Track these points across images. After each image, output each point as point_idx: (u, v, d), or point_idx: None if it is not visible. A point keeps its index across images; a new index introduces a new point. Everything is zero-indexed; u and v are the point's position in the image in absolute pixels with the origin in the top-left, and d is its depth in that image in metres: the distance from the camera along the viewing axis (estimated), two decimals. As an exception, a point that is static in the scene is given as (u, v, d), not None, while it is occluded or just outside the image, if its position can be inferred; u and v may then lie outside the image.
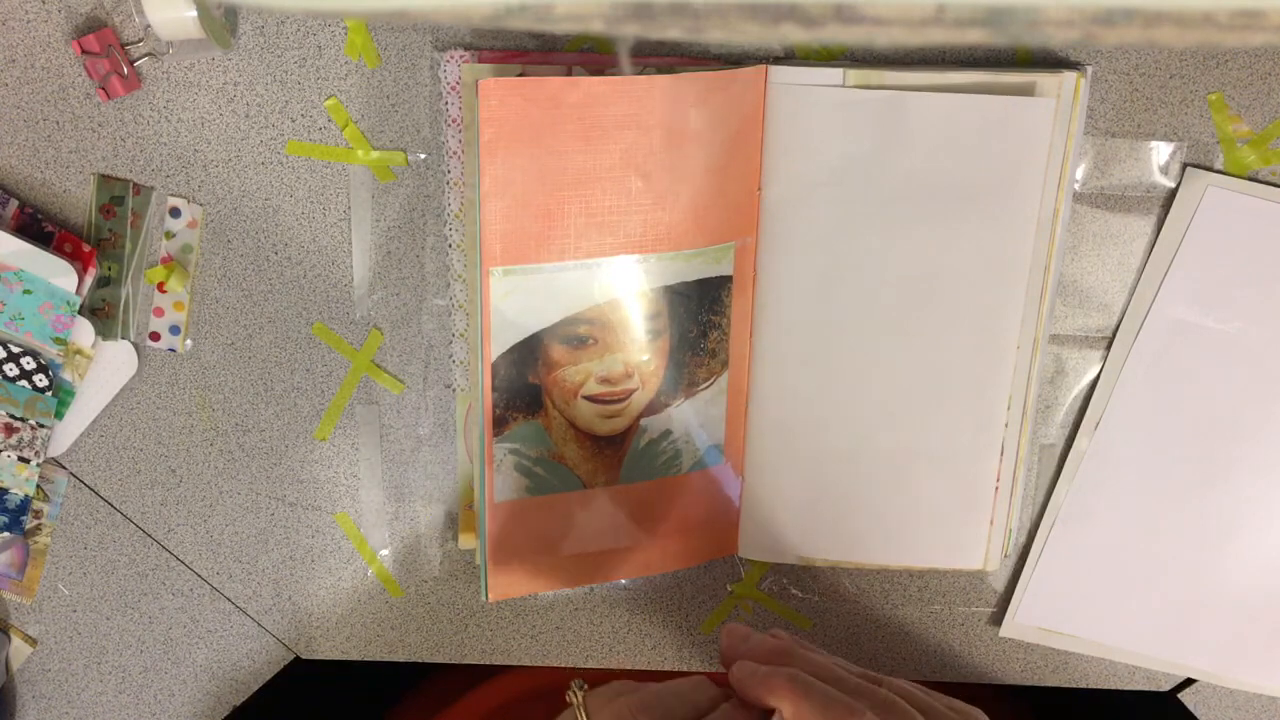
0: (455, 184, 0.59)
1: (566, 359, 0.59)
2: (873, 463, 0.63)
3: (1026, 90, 0.56)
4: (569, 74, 0.57)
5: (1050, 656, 0.69)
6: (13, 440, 0.61)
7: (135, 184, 0.59)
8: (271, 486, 0.65)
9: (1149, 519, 0.64)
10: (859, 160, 0.58)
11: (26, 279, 0.58)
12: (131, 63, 0.56)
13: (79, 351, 0.61)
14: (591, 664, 0.69)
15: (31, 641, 0.68)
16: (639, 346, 0.59)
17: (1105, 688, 0.70)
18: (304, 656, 0.69)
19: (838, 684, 0.50)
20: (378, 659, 0.69)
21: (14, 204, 0.59)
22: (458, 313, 0.61)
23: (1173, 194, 0.60)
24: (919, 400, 0.62)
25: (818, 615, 0.68)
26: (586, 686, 0.51)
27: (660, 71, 0.57)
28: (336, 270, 0.61)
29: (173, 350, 0.62)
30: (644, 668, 0.70)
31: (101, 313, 0.61)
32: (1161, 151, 0.59)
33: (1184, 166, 0.59)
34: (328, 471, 0.65)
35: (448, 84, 0.57)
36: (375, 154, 0.59)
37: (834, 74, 0.56)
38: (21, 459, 0.61)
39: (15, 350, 0.59)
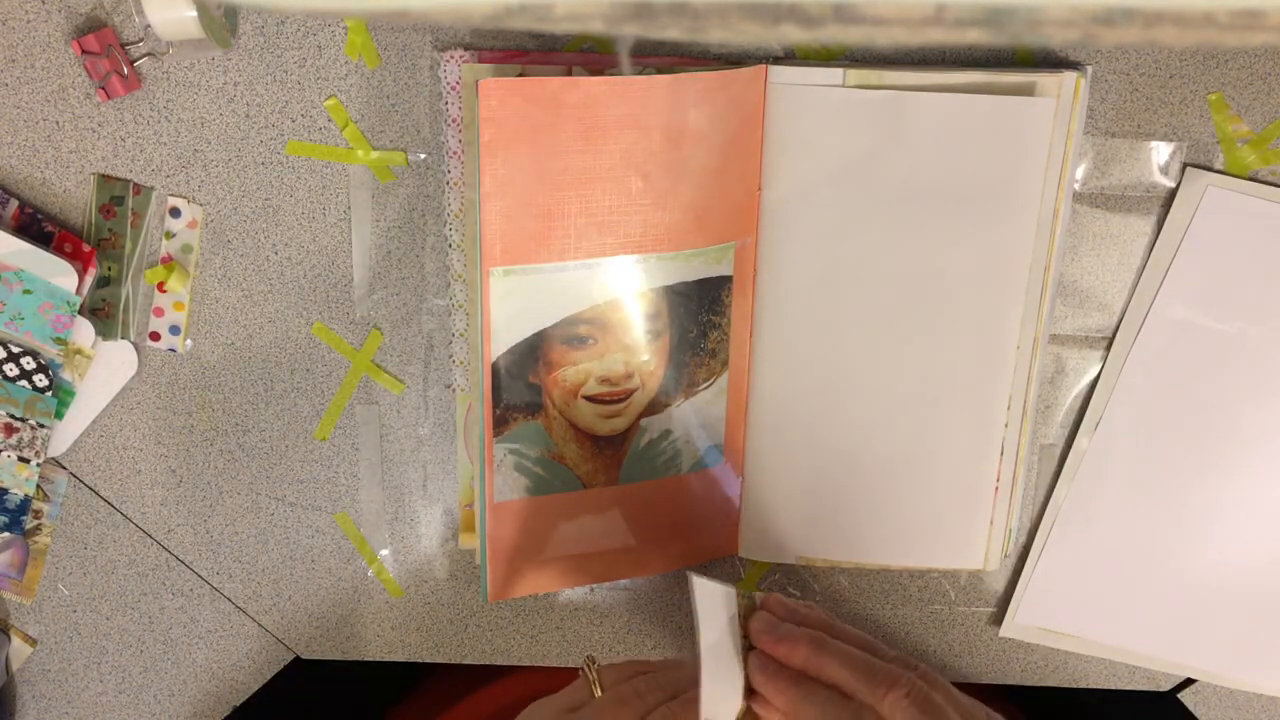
0: (455, 184, 0.59)
1: (566, 359, 0.59)
2: (873, 462, 0.63)
3: (1026, 90, 0.56)
4: (569, 74, 0.57)
5: (1050, 656, 0.69)
6: (13, 440, 0.61)
7: (135, 184, 0.59)
8: (271, 486, 0.65)
9: (1149, 519, 0.64)
10: (859, 160, 0.58)
11: (26, 279, 0.58)
12: (131, 63, 0.56)
13: (79, 351, 0.61)
14: (591, 664, 0.69)
15: (31, 641, 0.68)
16: (639, 346, 0.59)
17: (1105, 688, 0.70)
18: (304, 656, 0.69)
19: (863, 648, 0.51)
20: (378, 659, 0.69)
21: (14, 204, 0.59)
22: (458, 313, 0.61)
23: (1173, 194, 0.60)
24: (919, 400, 0.62)
25: (818, 615, 0.68)
26: (598, 662, 0.53)
27: (660, 71, 0.57)
28: (336, 270, 0.61)
29: (173, 350, 0.62)
30: (644, 668, 0.70)
31: (101, 313, 0.61)
32: (1161, 151, 0.59)
33: (1184, 166, 0.59)
34: (328, 471, 0.65)
35: (448, 84, 0.57)
36: (375, 154, 0.59)
37: (834, 74, 0.56)
38: (21, 459, 0.61)
39: (15, 350, 0.59)
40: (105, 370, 0.62)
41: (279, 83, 0.58)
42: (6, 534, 0.64)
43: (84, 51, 0.56)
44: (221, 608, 0.68)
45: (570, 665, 0.69)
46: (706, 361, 0.61)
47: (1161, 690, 0.69)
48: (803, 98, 0.57)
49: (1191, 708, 0.70)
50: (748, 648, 0.52)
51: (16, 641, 0.67)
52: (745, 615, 0.52)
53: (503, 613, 0.68)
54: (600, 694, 0.52)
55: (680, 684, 0.53)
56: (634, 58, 0.57)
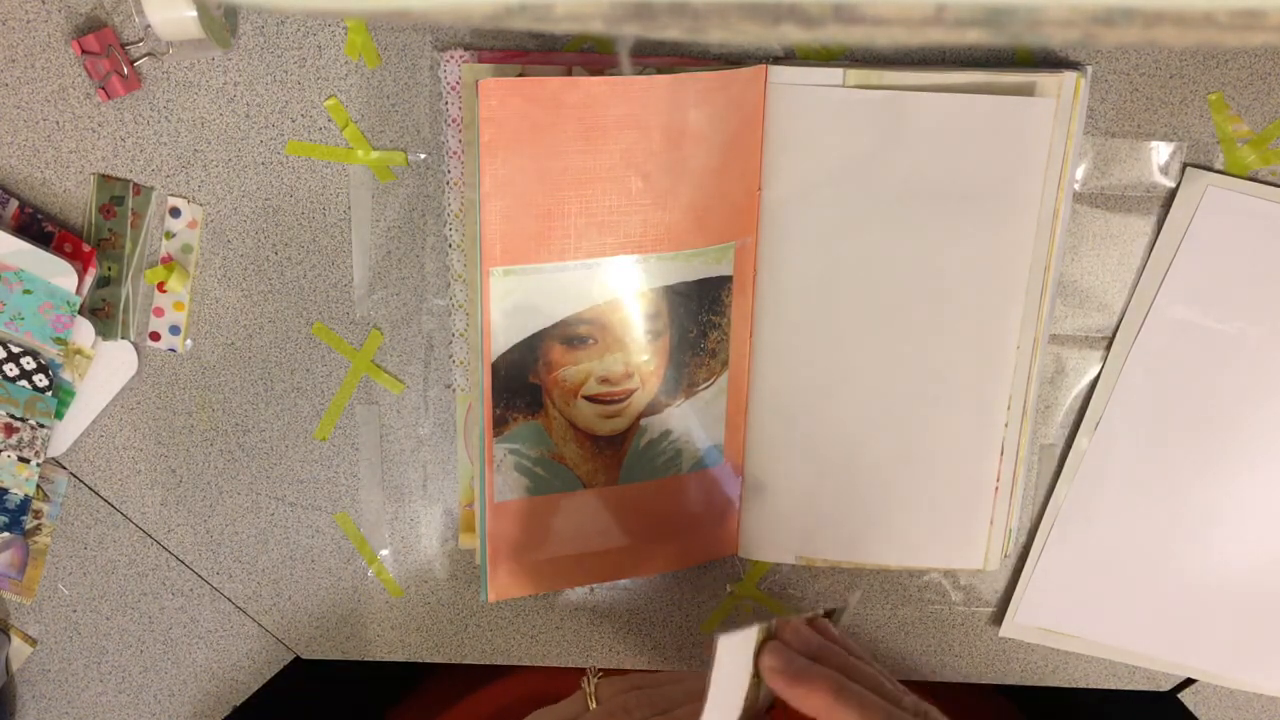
0: (455, 184, 0.59)
1: (566, 359, 0.59)
2: (873, 463, 0.63)
3: (1026, 90, 0.56)
4: (569, 74, 0.57)
5: (1050, 656, 0.69)
6: (13, 440, 0.61)
7: (135, 184, 0.59)
8: (271, 486, 0.65)
9: (1149, 519, 0.64)
10: (859, 160, 0.58)
11: (26, 279, 0.58)
12: (131, 63, 0.56)
13: (79, 351, 0.61)
14: (591, 664, 0.69)
15: (31, 641, 0.68)
16: (639, 346, 0.59)
17: (1105, 688, 0.70)
18: (304, 656, 0.69)
19: (879, 694, 0.49)
20: (378, 659, 0.69)
21: (14, 204, 0.59)
22: (458, 313, 0.61)
23: (1173, 194, 0.60)
24: (919, 400, 0.62)
25: (818, 615, 0.68)
26: (600, 674, 0.53)
27: (660, 71, 0.57)
28: (336, 270, 0.61)
29: (173, 350, 0.62)
30: (644, 668, 0.70)
31: (101, 313, 0.61)
32: (1161, 151, 0.59)
33: (1184, 166, 0.59)
34: (328, 471, 0.65)
35: (448, 84, 0.57)
36: (375, 154, 0.59)
37: (834, 74, 0.56)
38: (21, 459, 0.61)
39: (15, 350, 0.59)
40: (105, 370, 0.62)
41: (279, 83, 0.58)
42: (6, 534, 0.64)
43: (84, 51, 0.56)
44: (221, 608, 0.68)
45: (570, 665, 0.69)
46: (706, 361, 0.61)
47: (1161, 690, 0.69)
48: (803, 98, 0.57)
49: (1191, 708, 0.70)
50: (757, 681, 0.50)
51: (16, 641, 0.67)
52: (759, 643, 0.50)
53: (503, 613, 0.68)
54: (595, 707, 0.52)
55: (672, 699, 0.53)
56: (634, 58, 0.57)
